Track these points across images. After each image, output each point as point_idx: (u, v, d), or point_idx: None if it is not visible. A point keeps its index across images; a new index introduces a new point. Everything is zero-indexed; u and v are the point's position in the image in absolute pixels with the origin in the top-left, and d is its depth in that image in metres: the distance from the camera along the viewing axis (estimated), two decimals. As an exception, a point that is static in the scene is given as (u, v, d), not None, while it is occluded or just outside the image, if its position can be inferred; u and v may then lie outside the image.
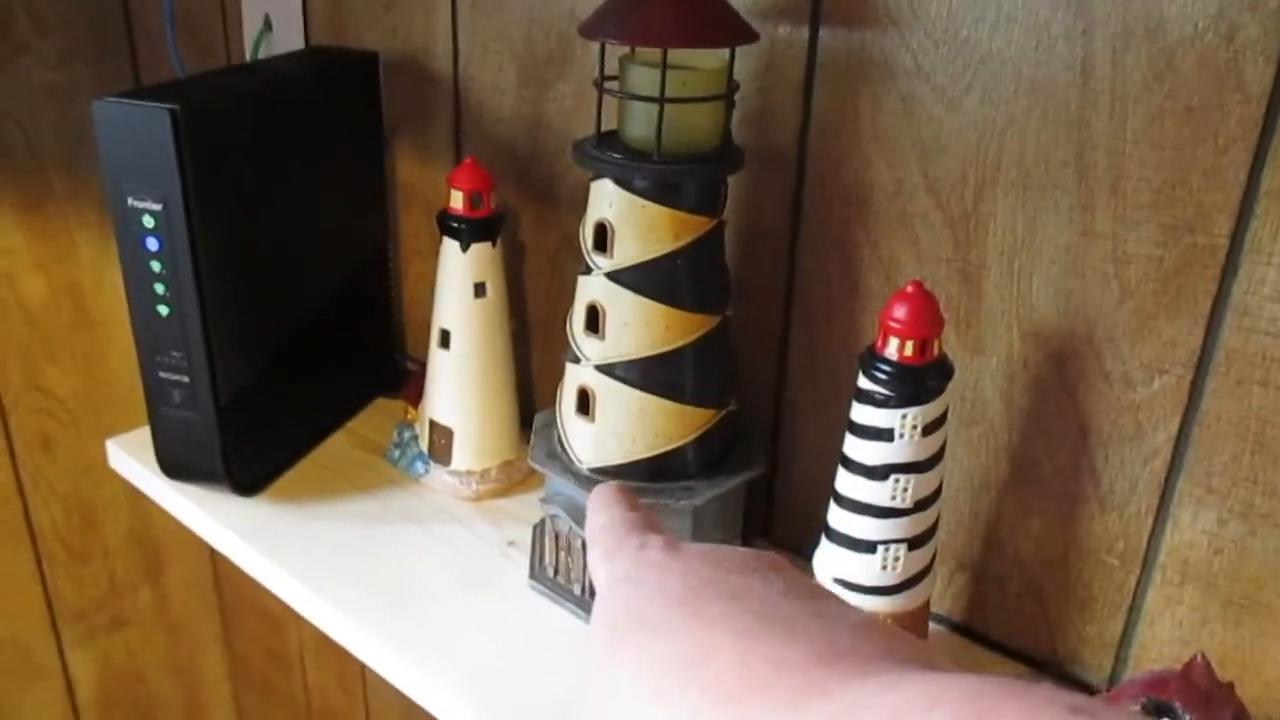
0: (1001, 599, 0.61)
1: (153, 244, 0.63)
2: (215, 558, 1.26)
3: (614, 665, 0.25)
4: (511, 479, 0.74)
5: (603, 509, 0.32)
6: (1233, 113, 0.46)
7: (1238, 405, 0.49)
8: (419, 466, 0.74)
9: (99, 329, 1.06)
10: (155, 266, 0.64)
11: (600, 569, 0.30)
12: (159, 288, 0.64)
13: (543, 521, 0.64)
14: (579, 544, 0.61)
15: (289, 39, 0.87)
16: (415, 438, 0.75)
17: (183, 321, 0.65)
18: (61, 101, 0.96)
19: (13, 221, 0.97)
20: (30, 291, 1.00)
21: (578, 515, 0.60)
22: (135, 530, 1.18)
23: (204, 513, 0.71)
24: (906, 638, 0.25)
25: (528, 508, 0.71)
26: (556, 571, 0.63)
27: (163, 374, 0.67)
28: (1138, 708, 0.43)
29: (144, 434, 0.76)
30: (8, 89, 0.92)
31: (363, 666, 1.16)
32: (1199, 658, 0.43)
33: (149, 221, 0.62)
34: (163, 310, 0.65)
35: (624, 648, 0.26)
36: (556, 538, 0.62)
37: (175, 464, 0.71)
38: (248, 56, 0.91)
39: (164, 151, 0.60)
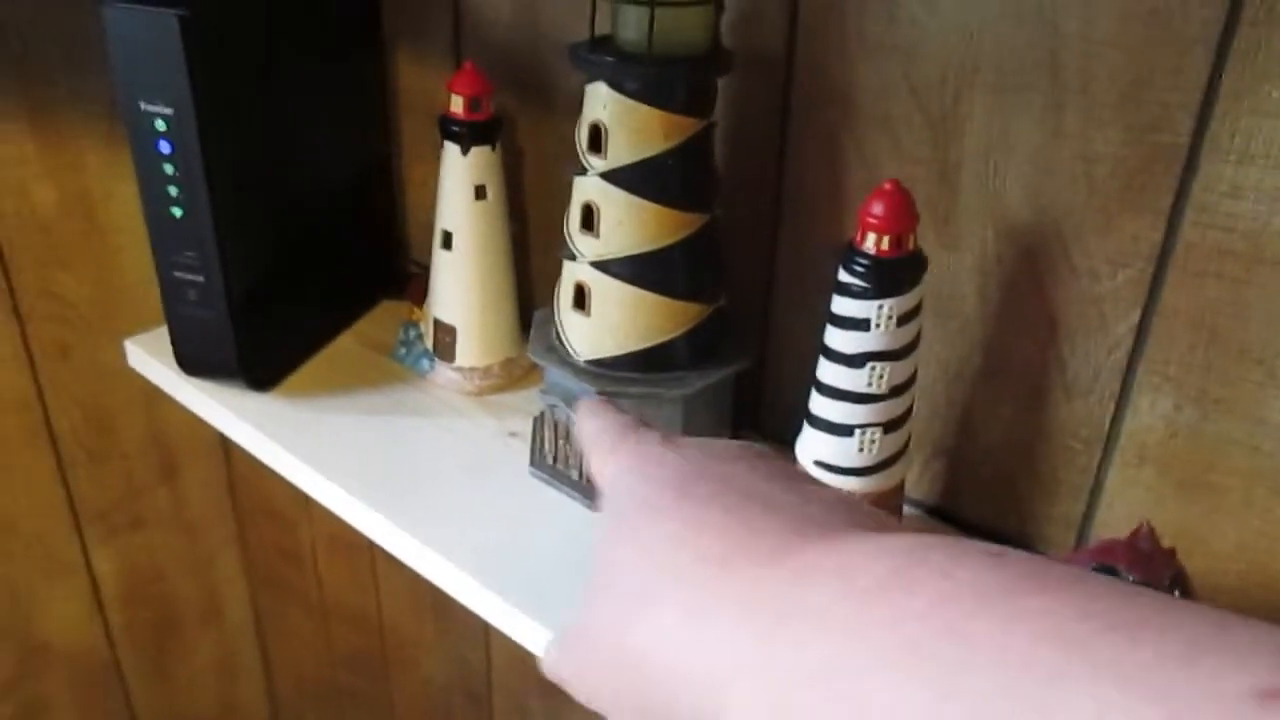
0: (974, 483, 0.64)
1: (165, 147, 0.65)
2: (229, 461, 1.31)
3: (622, 547, 0.29)
4: (512, 375, 0.78)
5: (593, 416, 0.35)
6: (1195, 14, 0.48)
7: (1194, 297, 0.52)
8: (424, 363, 0.78)
9: (110, 236, 1.09)
10: (168, 169, 0.66)
11: (605, 466, 0.33)
12: (172, 190, 0.67)
13: (542, 413, 0.67)
14: (575, 432, 0.64)
15: (289, -54, 0.88)
16: (420, 336, 0.79)
17: (195, 222, 0.67)
18: (60, 10, 0.97)
19: (24, 131, 0.99)
20: (42, 200, 1.03)
21: (575, 404, 0.64)
22: (151, 434, 1.22)
23: (221, 406, 0.75)
24: (874, 513, 0.29)
25: (528, 401, 0.75)
26: (555, 459, 0.67)
27: (177, 273, 0.70)
28: (1089, 570, 0.46)
29: (160, 335, 0.80)
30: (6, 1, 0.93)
31: (373, 562, 1.21)
32: (1143, 525, 0.47)
33: (160, 125, 0.65)
34: (176, 212, 0.67)
35: (631, 530, 0.29)
36: (555, 426, 0.66)
37: (192, 360, 0.75)
38: (249, -36, 0.92)
39: (173, 56, 0.62)
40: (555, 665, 0.32)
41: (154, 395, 1.17)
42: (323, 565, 1.30)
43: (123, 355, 0.85)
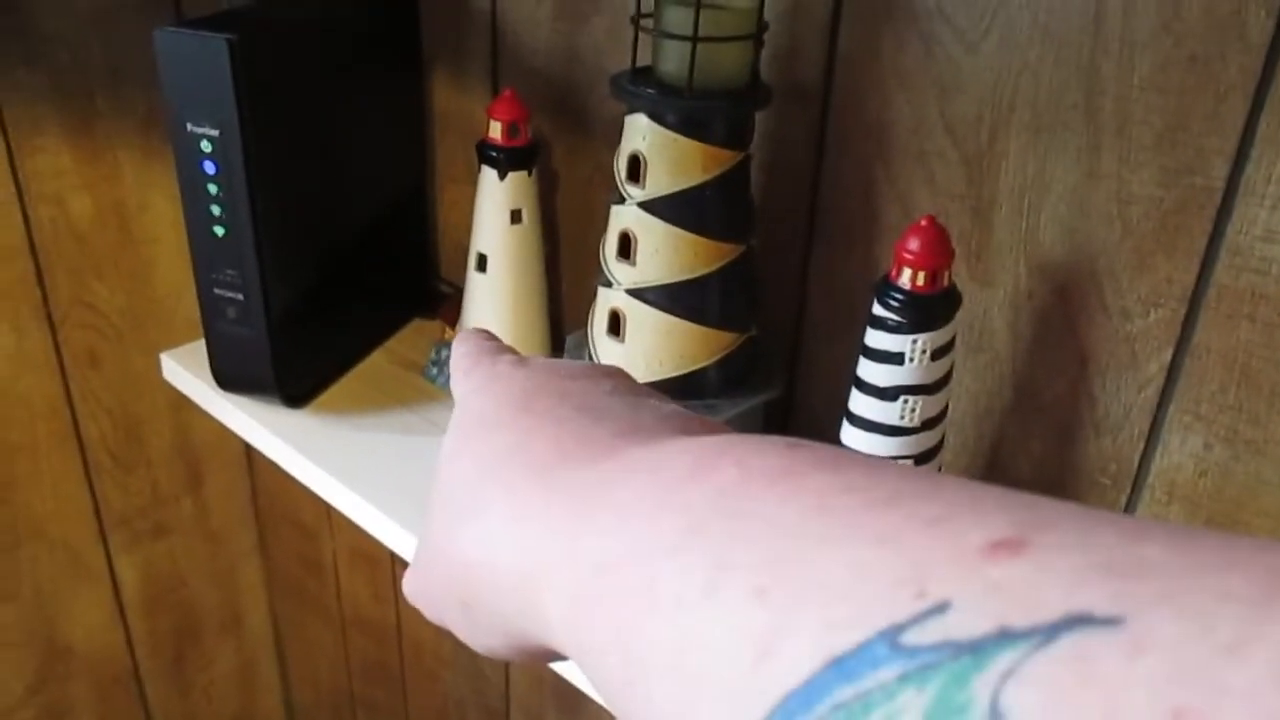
0: (1001, 516, 0.65)
1: (210, 168, 0.67)
2: (253, 471, 1.32)
3: (459, 460, 0.29)
4: (542, 397, 0.78)
5: (464, 340, 0.36)
6: (1234, 62, 0.48)
7: (1226, 338, 0.53)
8: (455, 383, 0.79)
9: (143, 248, 1.11)
10: (212, 189, 0.67)
11: (458, 387, 0.33)
12: (215, 209, 0.68)
13: (573, 436, 0.68)
14: (607, 456, 0.65)
15: (330, -32, 0.89)
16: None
17: (237, 241, 0.69)
18: (107, 25, 0.98)
19: (63, 142, 1.01)
20: (78, 211, 1.04)
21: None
22: (177, 444, 1.24)
23: (255, 422, 0.76)
24: (710, 422, 0.29)
25: (558, 424, 0.76)
26: (585, 482, 0.68)
27: (218, 291, 0.71)
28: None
29: (194, 349, 0.81)
30: (58, 13, 0.95)
31: (394, 575, 1.22)
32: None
33: (206, 146, 0.66)
34: (219, 230, 0.69)
35: (468, 442, 0.29)
36: (586, 450, 0.67)
37: (229, 376, 0.76)
38: (289, -16, 0.93)
39: (221, 80, 0.63)
40: (406, 586, 0.33)
41: (180, 405, 1.19)
42: (343, 577, 1.31)
43: (154, 366, 0.86)
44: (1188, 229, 0.52)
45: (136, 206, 1.09)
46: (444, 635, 1.19)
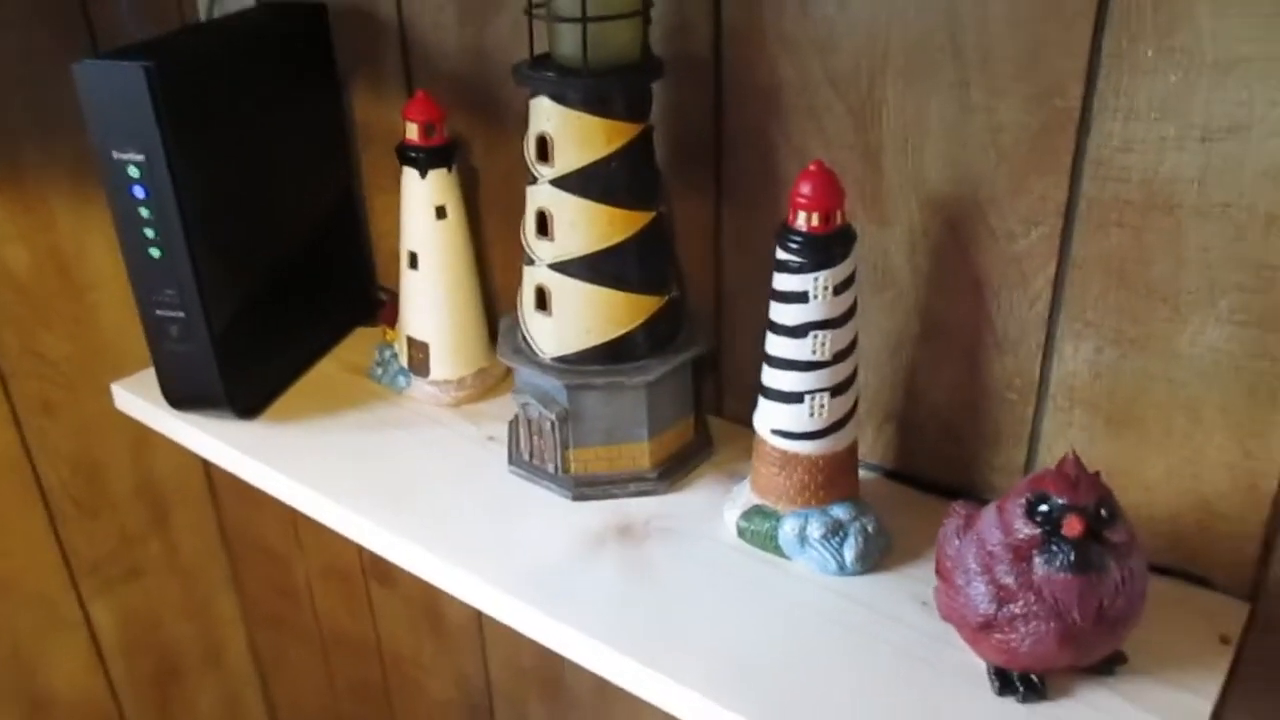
0: (924, 443, 0.69)
1: (139, 192, 0.69)
2: (217, 503, 1.33)
3: None
4: (485, 384, 0.81)
5: None
6: (1073, -11, 0.53)
7: (1101, 246, 0.57)
8: (401, 380, 0.82)
9: (85, 292, 1.12)
10: (143, 213, 0.70)
11: None
12: (148, 232, 0.71)
13: (516, 414, 0.71)
14: (548, 427, 0.68)
15: (240, -2, 0.92)
16: (395, 355, 0.83)
17: (173, 261, 0.71)
18: (24, 74, 1.00)
19: (-6, 195, 1.02)
20: (15, 262, 1.06)
21: (545, 401, 0.68)
22: (139, 484, 1.25)
23: (210, 437, 0.78)
24: None
25: (502, 407, 0.79)
26: (531, 455, 0.71)
27: (159, 312, 0.73)
28: (1023, 501, 0.51)
29: (144, 376, 0.83)
30: (-21, 69, 0.97)
31: (367, 589, 1.24)
32: (1069, 454, 0.51)
33: (134, 172, 0.68)
34: (154, 253, 0.71)
35: None
36: (529, 424, 0.70)
37: (179, 395, 0.78)
38: (202, 16, 0.96)
39: (142, 105, 0.66)
40: None
41: (140, 446, 1.21)
42: (318, 597, 1.33)
43: (109, 407, 0.88)
44: (1054, 149, 0.56)
45: (74, 252, 1.10)
46: (423, 639, 1.21)
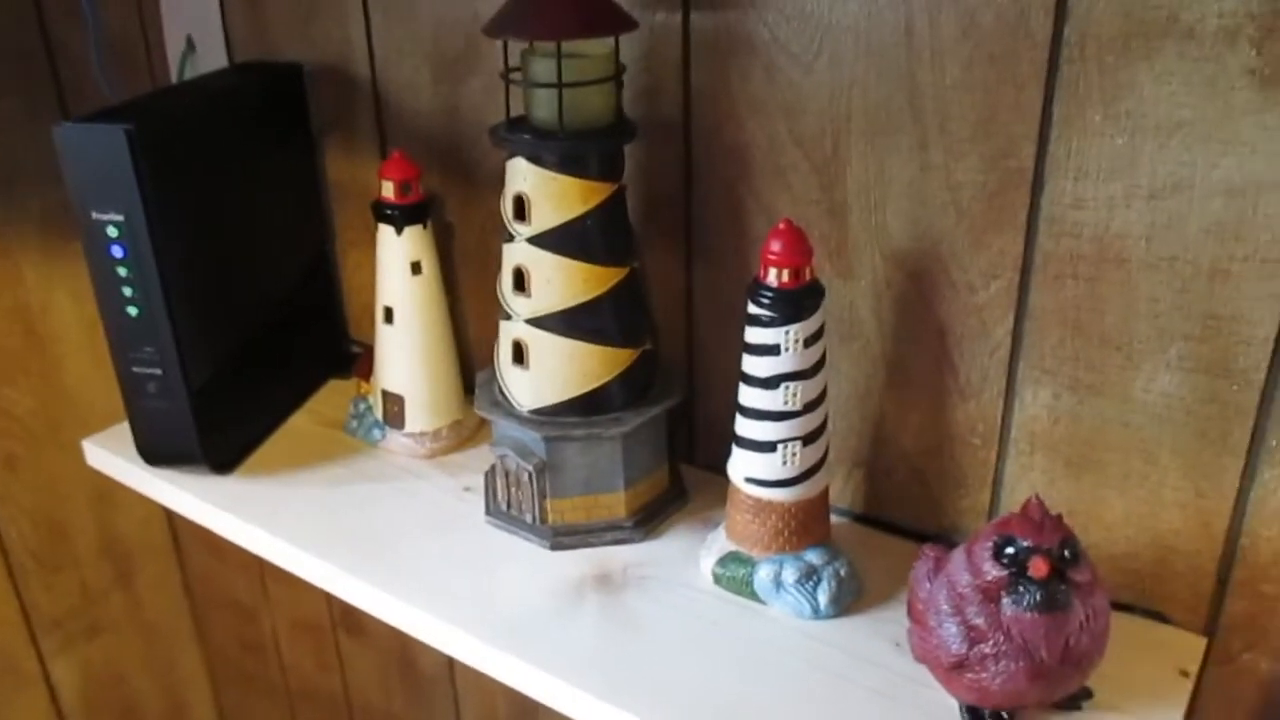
0: (892, 488, 0.71)
1: (118, 252, 0.70)
2: (181, 558, 1.32)
3: None
4: (461, 436, 0.83)
5: None
6: (1025, 57, 0.56)
7: (1056, 297, 0.60)
8: (376, 433, 0.83)
9: (50, 346, 1.12)
10: (122, 272, 0.71)
11: None
12: (127, 290, 0.71)
13: (493, 465, 0.72)
14: (525, 478, 0.69)
15: (213, 58, 0.94)
16: (370, 408, 0.84)
17: (152, 319, 0.72)
18: (-1, 132, 1.01)
19: (-40, 252, 1.02)
20: (-20, 317, 1.05)
21: (523, 453, 0.69)
22: (102, 539, 1.24)
23: (185, 493, 0.78)
24: None
25: (477, 459, 0.80)
26: (509, 505, 0.72)
27: (136, 369, 0.74)
28: (991, 543, 0.53)
29: (116, 431, 0.83)
30: (-59, 129, 0.97)
31: (336, 642, 1.24)
32: (1033, 498, 0.53)
33: (113, 231, 0.69)
34: (132, 311, 0.72)
35: None
36: (506, 475, 0.71)
37: (155, 451, 0.78)
38: (174, 78, 0.97)
39: (122, 167, 0.67)
40: None
41: (103, 499, 1.20)
42: (285, 651, 1.32)
43: (72, 463, 0.88)
44: (1010, 206, 0.59)
45: (40, 308, 1.10)
46: (394, 693, 1.20)
